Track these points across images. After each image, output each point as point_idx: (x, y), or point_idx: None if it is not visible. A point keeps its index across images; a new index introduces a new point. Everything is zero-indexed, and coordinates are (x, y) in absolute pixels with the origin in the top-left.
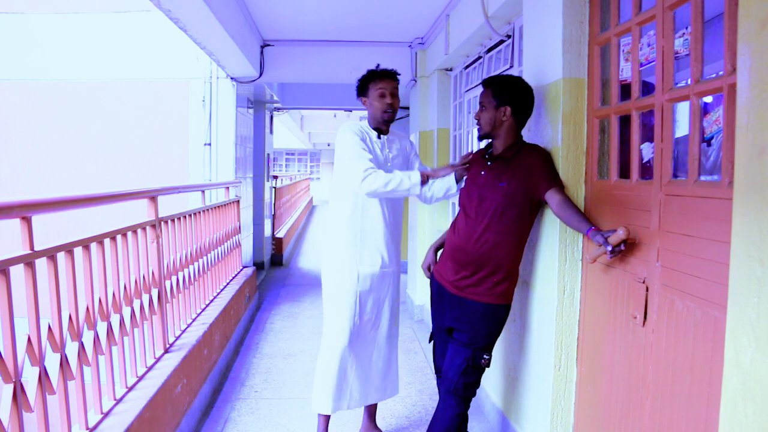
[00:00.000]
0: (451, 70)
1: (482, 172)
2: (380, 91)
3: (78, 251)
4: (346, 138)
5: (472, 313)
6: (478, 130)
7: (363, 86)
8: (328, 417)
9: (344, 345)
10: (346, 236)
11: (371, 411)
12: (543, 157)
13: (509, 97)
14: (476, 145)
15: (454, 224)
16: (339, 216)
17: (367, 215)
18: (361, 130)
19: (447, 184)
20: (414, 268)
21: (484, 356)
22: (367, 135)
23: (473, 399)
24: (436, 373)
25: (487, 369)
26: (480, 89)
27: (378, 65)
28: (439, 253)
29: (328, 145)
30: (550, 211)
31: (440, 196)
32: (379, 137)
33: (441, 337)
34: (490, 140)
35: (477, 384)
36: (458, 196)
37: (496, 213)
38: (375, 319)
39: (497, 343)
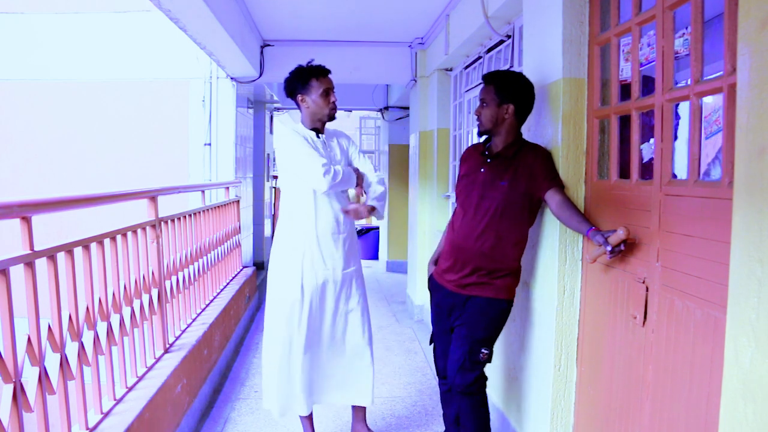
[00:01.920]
0: (451, 70)
1: (482, 170)
2: (325, 89)
3: (78, 251)
4: (291, 140)
5: (472, 307)
6: (478, 126)
7: (302, 83)
8: (309, 418)
9: (290, 352)
10: (298, 243)
11: (360, 413)
12: (544, 157)
13: (513, 94)
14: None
15: (452, 223)
16: (288, 222)
17: (319, 220)
18: (298, 132)
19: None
20: (414, 269)
21: (482, 350)
22: (307, 137)
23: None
24: (437, 375)
25: (488, 365)
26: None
27: (311, 60)
28: None
29: None
30: (550, 210)
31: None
32: (318, 136)
33: (442, 338)
34: (487, 136)
35: (479, 380)
36: (455, 193)
37: (497, 212)
38: (333, 322)
39: (498, 343)
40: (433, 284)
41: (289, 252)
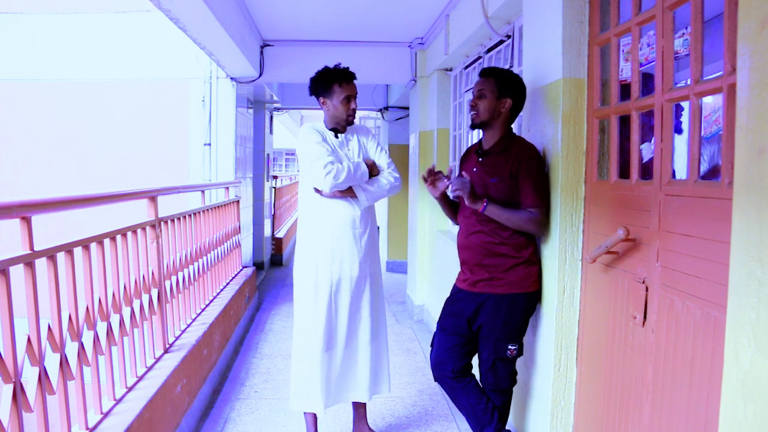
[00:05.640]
0: (450, 70)
1: (474, 169)
2: (346, 96)
3: (78, 251)
4: (306, 139)
5: (487, 307)
6: (473, 117)
7: (325, 86)
8: (314, 418)
9: (315, 349)
10: (313, 240)
11: (361, 412)
12: (530, 162)
13: (511, 90)
14: None
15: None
16: (306, 219)
17: (335, 217)
18: (316, 131)
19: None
20: (413, 269)
21: (509, 347)
22: (325, 135)
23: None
24: (432, 369)
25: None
26: None
27: (339, 64)
28: None
29: None
30: (549, 211)
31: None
32: (336, 136)
33: (443, 336)
34: (480, 133)
35: (511, 377)
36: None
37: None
38: (351, 320)
39: None
40: (453, 290)
41: (304, 249)
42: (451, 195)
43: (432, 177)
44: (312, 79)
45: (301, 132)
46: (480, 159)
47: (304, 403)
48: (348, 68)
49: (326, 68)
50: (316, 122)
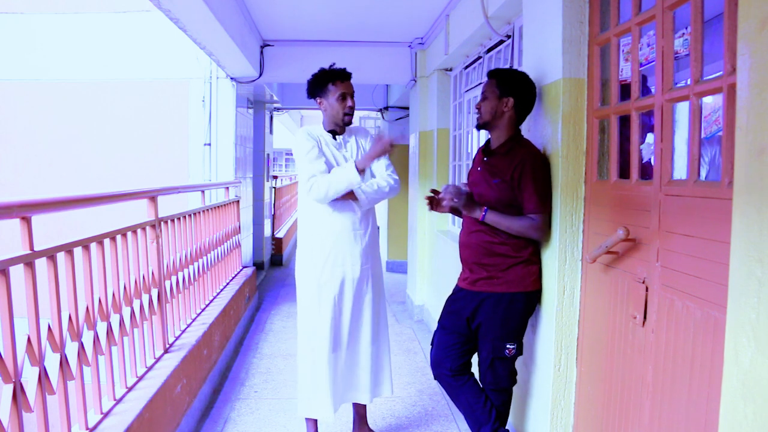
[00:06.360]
0: (450, 70)
1: (479, 168)
2: (341, 94)
3: (78, 251)
4: (300, 145)
5: (487, 305)
6: (477, 119)
7: (320, 86)
8: (315, 421)
9: (320, 351)
10: (314, 242)
11: (361, 412)
12: (533, 169)
13: (513, 88)
14: (477, 145)
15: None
16: (306, 221)
17: (336, 219)
18: (311, 135)
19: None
20: (413, 269)
21: (507, 346)
22: (321, 139)
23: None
24: (431, 367)
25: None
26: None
27: (333, 64)
28: None
29: None
30: (551, 216)
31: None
32: (334, 138)
33: (442, 335)
34: (487, 133)
35: (510, 376)
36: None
37: (489, 207)
38: (354, 321)
39: None
40: (454, 288)
41: (306, 251)
42: (445, 206)
43: (435, 200)
44: (308, 81)
45: (296, 136)
46: (485, 158)
47: (314, 410)
48: (344, 69)
49: (321, 69)
50: (314, 125)
